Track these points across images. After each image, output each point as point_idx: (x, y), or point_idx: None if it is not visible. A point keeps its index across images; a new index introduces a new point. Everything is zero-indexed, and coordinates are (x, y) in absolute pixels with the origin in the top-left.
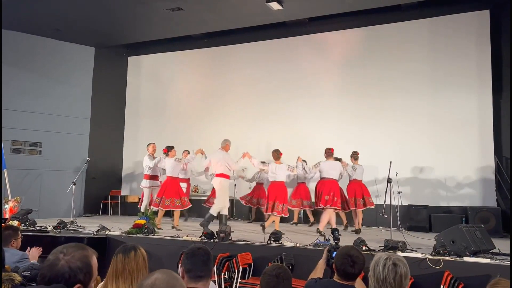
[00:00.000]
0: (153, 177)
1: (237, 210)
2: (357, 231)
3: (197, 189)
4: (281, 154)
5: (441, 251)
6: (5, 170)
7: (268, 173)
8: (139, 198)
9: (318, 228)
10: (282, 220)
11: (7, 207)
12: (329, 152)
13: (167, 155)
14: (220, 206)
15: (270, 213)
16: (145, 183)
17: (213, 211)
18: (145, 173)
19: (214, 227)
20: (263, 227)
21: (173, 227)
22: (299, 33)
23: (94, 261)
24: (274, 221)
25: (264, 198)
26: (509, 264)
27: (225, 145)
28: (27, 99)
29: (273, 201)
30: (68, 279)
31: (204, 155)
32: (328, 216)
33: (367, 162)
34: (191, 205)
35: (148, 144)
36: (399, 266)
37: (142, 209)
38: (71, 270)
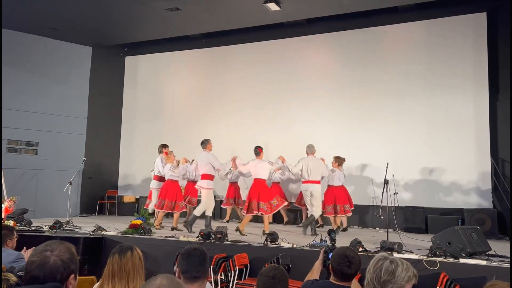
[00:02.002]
0: (161, 179)
1: (234, 211)
2: (345, 229)
3: None
4: (344, 160)
5: (437, 253)
6: (1, 170)
7: (333, 178)
8: (136, 199)
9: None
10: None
11: (2, 206)
12: (341, 161)
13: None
14: (320, 209)
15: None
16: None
17: (317, 214)
18: (156, 174)
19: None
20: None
21: (237, 229)
22: (297, 34)
23: None
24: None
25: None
26: (509, 266)
27: (314, 150)
28: (24, 98)
29: (335, 203)
30: (63, 272)
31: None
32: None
33: (364, 164)
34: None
35: (163, 146)
36: (382, 260)
37: (150, 210)
38: (64, 263)
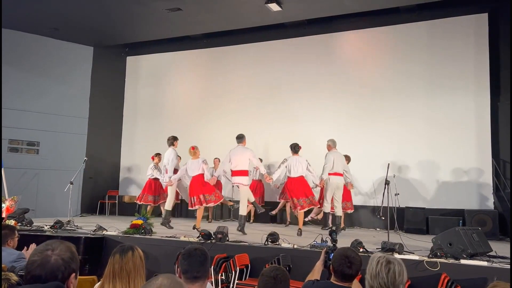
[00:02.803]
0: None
1: (235, 211)
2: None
3: None
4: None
5: (438, 254)
6: (2, 169)
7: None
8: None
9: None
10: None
11: (4, 206)
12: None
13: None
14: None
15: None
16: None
17: (340, 212)
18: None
19: (212, 227)
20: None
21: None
22: (298, 34)
23: None
24: None
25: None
26: (509, 267)
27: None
28: (25, 98)
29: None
30: (64, 271)
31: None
32: None
33: (365, 164)
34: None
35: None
36: (392, 263)
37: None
38: (65, 262)
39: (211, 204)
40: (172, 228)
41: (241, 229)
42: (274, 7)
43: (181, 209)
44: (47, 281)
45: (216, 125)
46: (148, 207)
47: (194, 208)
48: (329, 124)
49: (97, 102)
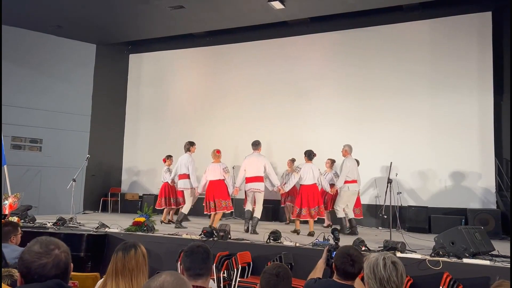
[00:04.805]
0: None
1: (236, 209)
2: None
3: None
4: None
5: (441, 252)
6: (5, 166)
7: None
8: (139, 196)
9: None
10: None
11: (6, 203)
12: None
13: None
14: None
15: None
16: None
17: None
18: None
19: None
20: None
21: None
22: (301, 32)
23: None
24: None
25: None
26: (509, 266)
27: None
28: (28, 95)
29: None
30: (68, 266)
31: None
32: None
33: (368, 163)
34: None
35: (191, 144)
36: (398, 264)
37: (186, 210)
38: (68, 258)
39: (221, 211)
40: (185, 228)
41: (253, 231)
42: (277, 5)
43: None
44: (64, 279)
45: (219, 123)
46: (165, 211)
47: (210, 213)
48: (331, 122)
49: (99, 100)
